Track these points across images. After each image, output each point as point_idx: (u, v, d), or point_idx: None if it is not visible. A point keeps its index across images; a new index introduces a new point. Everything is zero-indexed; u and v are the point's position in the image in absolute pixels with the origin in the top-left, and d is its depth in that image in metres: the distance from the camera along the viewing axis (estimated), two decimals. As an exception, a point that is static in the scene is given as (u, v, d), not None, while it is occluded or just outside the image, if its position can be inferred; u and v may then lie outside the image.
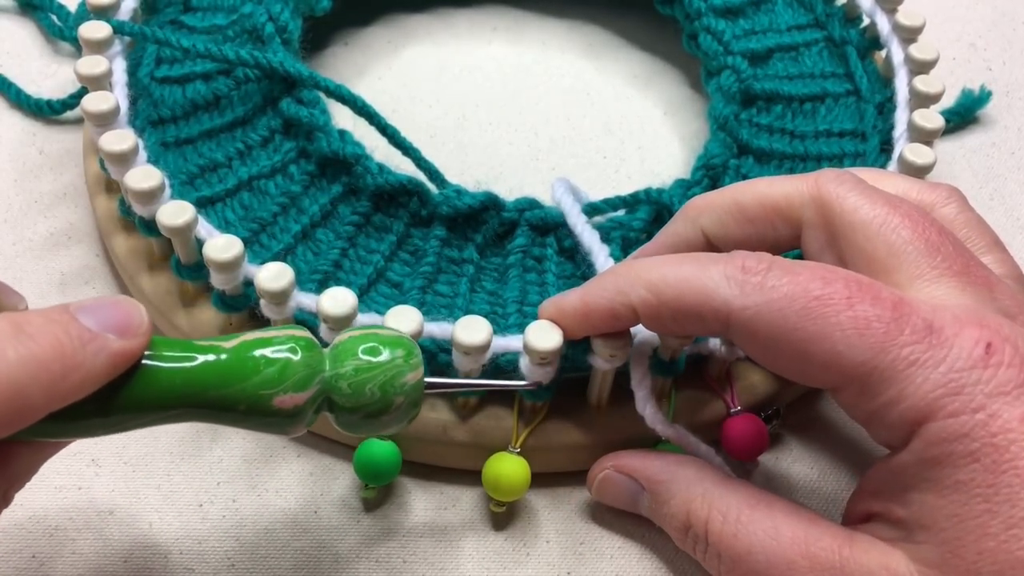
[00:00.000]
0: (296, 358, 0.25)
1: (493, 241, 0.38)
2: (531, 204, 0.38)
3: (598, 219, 0.39)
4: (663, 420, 0.32)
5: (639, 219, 0.38)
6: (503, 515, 0.35)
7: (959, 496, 0.24)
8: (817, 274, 0.26)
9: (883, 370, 0.25)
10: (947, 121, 0.49)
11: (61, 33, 0.49)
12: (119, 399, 0.24)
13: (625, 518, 0.34)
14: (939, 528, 0.24)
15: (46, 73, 0.49)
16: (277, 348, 0.25)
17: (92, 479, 0.35)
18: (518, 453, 0.34)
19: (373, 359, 0.26)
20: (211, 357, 0.25)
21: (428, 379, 0.28)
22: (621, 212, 0.39)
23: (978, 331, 0.25)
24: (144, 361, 0.24)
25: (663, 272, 0.28)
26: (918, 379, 0.24)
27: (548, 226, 0.38)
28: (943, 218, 0.30)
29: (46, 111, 0.46)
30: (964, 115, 0.50)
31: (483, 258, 0.38)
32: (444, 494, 0.35)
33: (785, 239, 0.30)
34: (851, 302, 0.25)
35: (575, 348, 0.32)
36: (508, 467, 0.33)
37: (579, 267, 0.38)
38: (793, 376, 0.28)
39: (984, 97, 0.50)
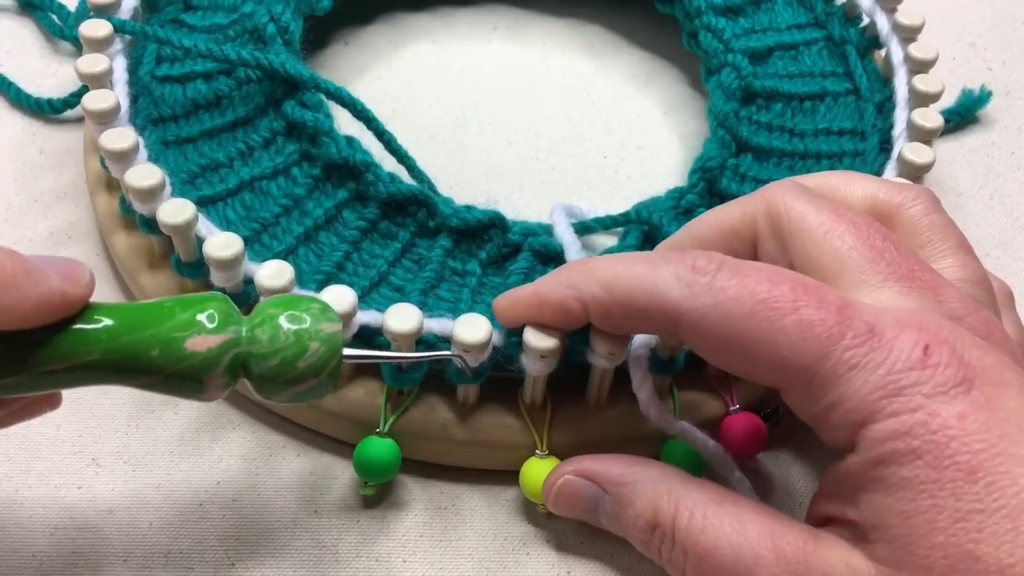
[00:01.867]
0: (211, 305, 0.26)
1: (496, 260, 0.38)
2: (535, 230, 0.39)
3: (590, 244, 0.39)
4: (669, 418, 0.32)
5: (629, 246, 0.39)
6: (502, 514, 0.35)
7: (905, 493, 0.24)
8: (764, 276, 0.27)
9: (825, 373, 0.25)
10: (947, 121, 0.49)
11: (61, 32, 0.49)
12: (36, 347, 0.24)
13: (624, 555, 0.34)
14: (889, 526, 0.24)
15: (46, 72, 0.49)
16: (193, 298, 0.26)
17: (92, 479, 0.35)
18: (547, 456, 0.34)
19: (289, 310, 0.27)
20: (130, 310, 0.25)
21: (347, 351, 0.28)
22: (614, 240, 0.40)
23: (917, 334, 0.25)
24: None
25: (616, 270, 0.29)
26: (858, 382, 0.25)
27: (550, 255, 0.38)
28: (908, 219, 0.30)
29: (46, 110, 0.46)
30: (964, 115, 0.50)
31: (484, 275, 0.38)
32: (444, 493, 0.35)
33: (748, 258, 0.30)
34: (796, 305, 0.26)
35: (511, 342, 0.32)
36: (545, 473, 0.33)
37: None
38: (744, 376, 0.28)
39: (984, 97, 0.50)
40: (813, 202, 0.29)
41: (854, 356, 0.25)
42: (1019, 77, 0.53)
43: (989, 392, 0.24)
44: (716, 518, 0.27)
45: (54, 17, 0.50)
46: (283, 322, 0.26)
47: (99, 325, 0.25)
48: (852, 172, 0.33)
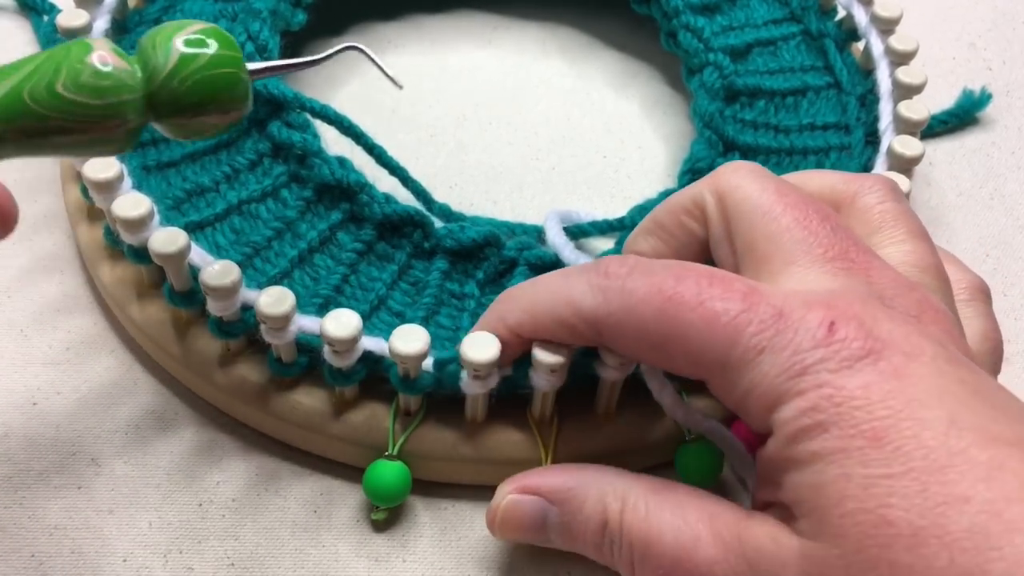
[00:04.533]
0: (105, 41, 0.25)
1: (493, 279, 0.38)
2: (529, 243, 0.39)
3: (586, 248, 0.39)
4: (698, 416, 0.32)
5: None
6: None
7: (815, 466, 0.24)
8: (672, 272, 0.27)
9: (735, 362, 0.26)
10: (946, 121, 0.49)
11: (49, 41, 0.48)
12: None
13: None
14: (804, 500, 0.24)
15: None
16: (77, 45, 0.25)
17: (92, 479, 0.35)
18: None
19: (184, 31, 0.26)
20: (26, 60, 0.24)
21: (251, 65, 0.27)
22: (610, 243, 0.40)
23: (824, 312, 0.25)
24: None
25: (535, 290, 0.30)
26: (765, 366, 0.25)
27: (546, 266, 0.38)
28: (863, 207, 0.31)
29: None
30: (964, 116, 0.50)
31: (483, 295, 0.37)
32: (448, 509, 0.35)
33: (704, 240, 0.31)
34: (700, 299, 0.26)
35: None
36: None
37: None
38: (671, 371, 0.29)
39: (984, 99, 0.50)
40: (759, 182, 0.29)
41: (760, 341, 0.25)
42: (1019, 77, 0.53)
43: (898, 362, 0.24)
44: (658, 507, 0.28)
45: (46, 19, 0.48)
46: (176, 32, 0.25)
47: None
48: (816, 170, 0.34)
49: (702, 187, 0.31)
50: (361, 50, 0.31)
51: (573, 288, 0.29)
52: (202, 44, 0.25)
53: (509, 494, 0.31)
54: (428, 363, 0.33)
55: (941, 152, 0.49)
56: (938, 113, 0.49)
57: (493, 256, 0.38)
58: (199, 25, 0.26)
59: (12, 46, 0.49)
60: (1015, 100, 0.52)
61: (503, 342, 0.31)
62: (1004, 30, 0.56)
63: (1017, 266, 0.45)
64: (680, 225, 0.31)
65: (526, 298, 0.30)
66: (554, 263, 0.38)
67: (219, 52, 0.25)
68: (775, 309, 0.25)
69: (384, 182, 0.40)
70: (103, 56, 0.24)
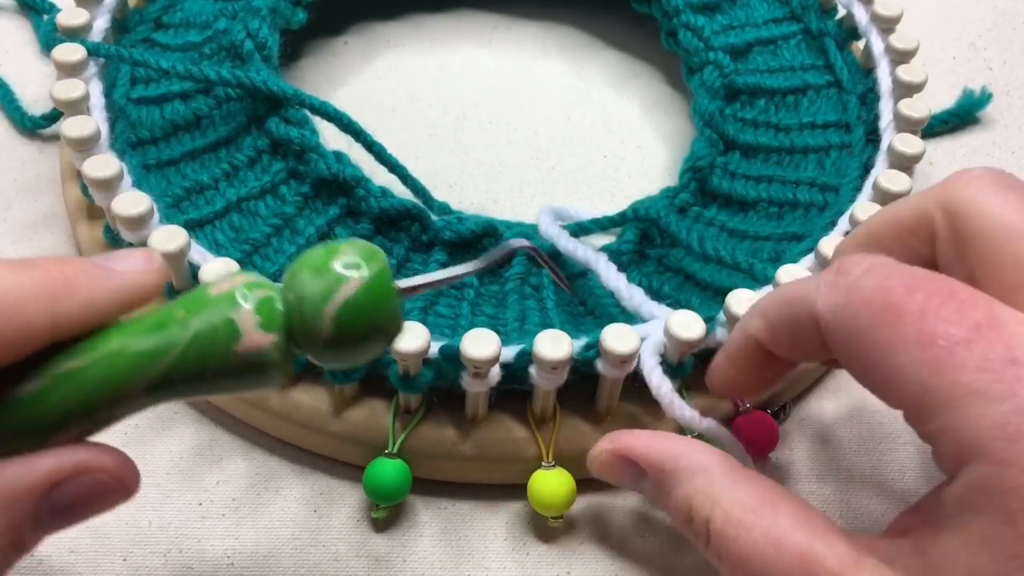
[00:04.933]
0: (244, 304, 0.23)
1: (491, 269, 0.38)
2: (528, 235, 0.38)
3: (586, 244, 0.39)
4: (695, 416, 0.31)
5: (627, 242, 0.39)
6: (502, 515, 0.35)
7: (982, 552, 0.21)
8: (907, 279, 0.24)
9: (938, 393, 0.22)
10: (946, 121, 0.49)
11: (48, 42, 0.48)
12: (92, 383, 0.22)
13: (624, 518, 0.34)
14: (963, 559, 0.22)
15: (46, 73, 0.48)
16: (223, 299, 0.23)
17: None
18: (553, 466, 0.34)
19: (331, 272, 0.23)
20: (174, 333, 0.22)
21: (399, 282, 0.25)
22: (611, 239, 0.40)
23: None
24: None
25: (775, 293, 0.28)
26: (974, 412, 0.22)
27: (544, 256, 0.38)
28: None
29: (25, 125, 0.45)
30: (964, 116, 0.50)
31: (482, 285, 0.37)
32: (448, 508, 0.35)
33: (928, 259, 0.27)
34: (924, 313, 0.23)
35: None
36: (553, 483, 0.33)
37: (577, 294, 0.38)
38: (872, 390, 0.25)
39: (984, 99, 0.50)
40: (1002, 194, 0.25)
41: (977, 380, 0.22)
42: (1019, 77, 0.53)
43: None
44: (752, 528, 0.25)
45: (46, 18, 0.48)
46: (329, 290, 0.23)
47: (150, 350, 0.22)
48: None
49: (928, 201, 0.27)
50: (533, 250, 0.30)
51: (808, 285, 0.26)
52: (355, 268, 0.23)
53: (607, 451, 0.30)
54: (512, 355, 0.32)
55: (941, 152, 0.49)
56: (938, 113, 0.49)
57: (491, 247, 0.38)
58: (348, 255, 0.23)
59: (12, 46, 0.49)
60: (1015, 100, 0.52)
61: (750, 355, 0.29)
62: (1004, 30, 0.56)
63: None
64: (900, 241, 0.27)
65: (767, 300, 0.28)
66: (552, 254, 0.37)
67: (369, 283, 0.23)
68: (1008, 349, 0.22)
69: (382, 178, 0.40)
70: (248, 344, 0.23)
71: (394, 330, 0.24)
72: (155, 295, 0.23)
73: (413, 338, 0.31)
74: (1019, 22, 0.56)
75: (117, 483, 0.24)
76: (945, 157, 0.49)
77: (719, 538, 0.26)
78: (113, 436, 0.35)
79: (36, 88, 0.47)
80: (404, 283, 0.25)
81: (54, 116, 0.44)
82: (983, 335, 0.22)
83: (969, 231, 0.25)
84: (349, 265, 0.23)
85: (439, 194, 0.43)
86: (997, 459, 0.21)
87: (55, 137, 0.45)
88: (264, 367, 0.23)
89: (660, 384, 0.31)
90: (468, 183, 0.46)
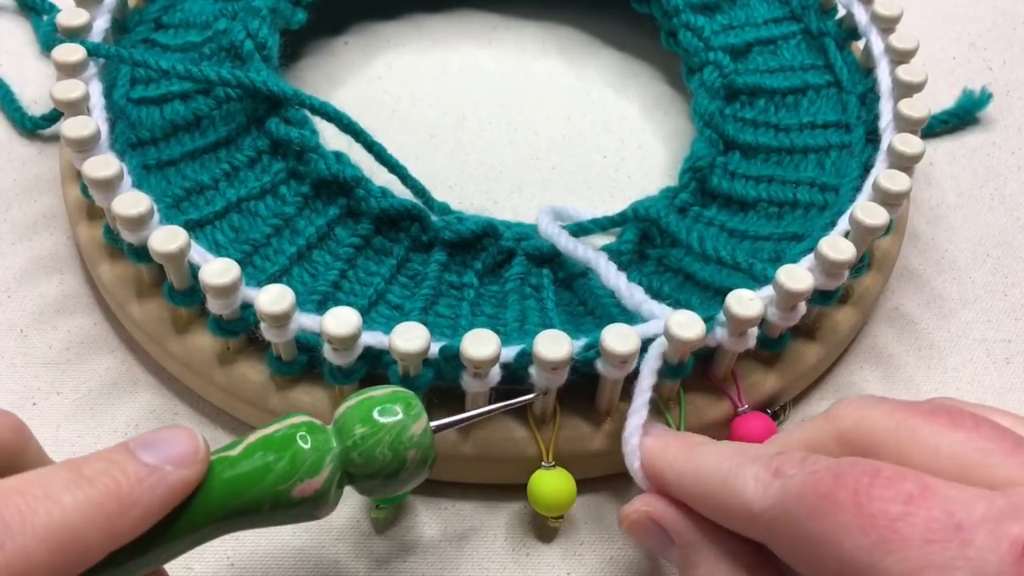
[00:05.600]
0: (303, 447, 0.26)
1: (491, 269, 0.38)
2: (528, 234, 0.39)
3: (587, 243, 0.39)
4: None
5: (627, 242, 0.39)
6: (502, 515, 0.35)
7: None
8: (832, 468, 0.24)
9: (893, 572, 0.22)
10: (946, 121, 0.49)
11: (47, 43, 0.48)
12: (150, 535, 0.24)
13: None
14: None
15: (46, 73, 0.48)
16: (276, 437, 0.26)
17: None
18: (553, 466, 0.34)
19: (376, 423, 0.27)
20: (226, 474, 0.25)
21: (433, 423, 0.28)
22: (611, 238, 0.40)
23: (1017, 526, 0.21)
24: None
25: (710, 458, 0.28)
26: None
27: (544, 256, 0.38)
28: None
29: (24, 125, 0.45)
30: (964, 116, 0.50)
31: (482, 285, 0.37)
32: (448, 509, 0.35)
33: None
34: (857, 496, 0.23)
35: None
36: (553, 483, 0.33)
37: (576, 295, 0.38)
38: None
39: (984, 99, 0.50)
40: (881, 407, 0.27)
41: (927, 554, 0.21)
42: (1019, 77, 0.53)
43: None
44: None
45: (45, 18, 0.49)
46: (375, 441, 0.26)
47: (203, 500, 0.25)
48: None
49: (822, 434, 0.28)
50: (532, 400, 0.32)
51: (740, 476, 0.26)
52: (395, 427, 0.27)
53: (641, 510, 0.30)
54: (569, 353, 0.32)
55: (941, 152, 0.49)
56: (938, 113, 0.49)
57: (491, 247, 0.38)
58: (389, 403, 0.27)
59: (12, 46, 0.49)
60: (1015, 100, 0.52)
61: (662, 481, 0.30)
62: (1004, 30, 0.56)
63: (1017, 266, 0.45)
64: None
65: (702, 462, 0.28)
66: (552, 254, 0.38)
67: (418, 449, 0.27)
68: (950, 518, 0.22)
69: (382, 179, 0.40)
70: (304, 489, 0.25)
71: (432, 460, 0.28)
72: (196, 485, 0.24)
73: (413, 338, 0.31)
74: (1019, 22, 0.56)
75: None
76: (945, 157, 0.49)
77: None
78: (112, 438, 0.35)
79: (36, 89, 0.47)
80: (436, 423, 0.29)
81: (54, 116, 0.44)
82: (920, 505, 0.22)
83: (868, 445, 0.26)
84: (390, 412, 0.27)
85: (439, 194, 0.43)
86: None
87: (55, 137, 0.45)
88: (313, 508, 0.26)
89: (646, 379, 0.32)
90: (468, 183, 0.46)
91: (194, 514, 0.24)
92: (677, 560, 0.30)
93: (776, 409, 0.36)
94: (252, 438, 0.26)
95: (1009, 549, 0.21)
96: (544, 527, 0.34)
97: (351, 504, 0.35)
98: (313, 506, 0.26)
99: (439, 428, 0.29)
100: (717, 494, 0.27)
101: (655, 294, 0.36)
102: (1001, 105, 0.51)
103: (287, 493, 0.25)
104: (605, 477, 0.35)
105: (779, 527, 0.25)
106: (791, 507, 0.24)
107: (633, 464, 0.31)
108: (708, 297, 0.37)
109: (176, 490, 0.24)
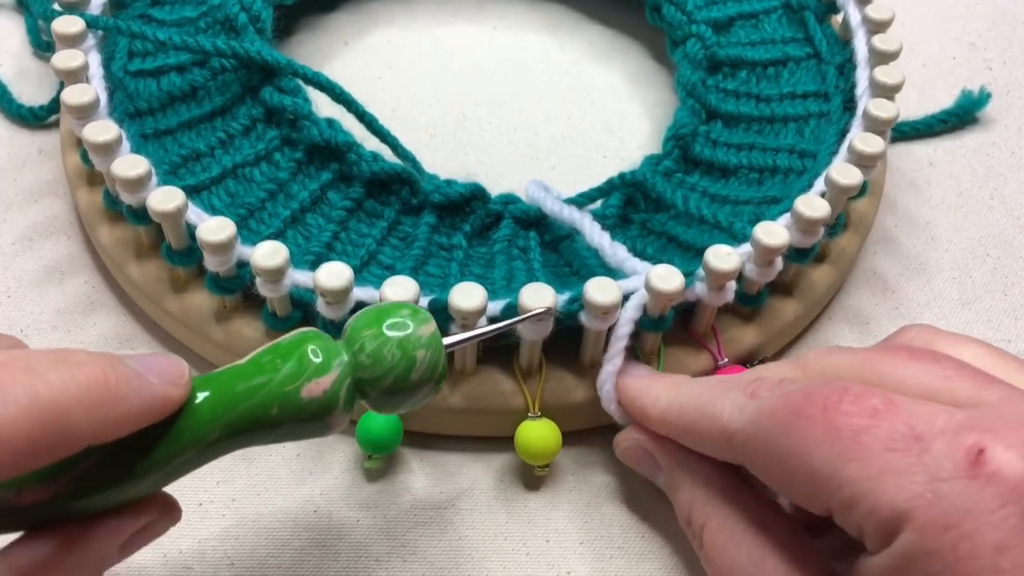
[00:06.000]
0: (310, 348, 0.26)
1: (479, 231, 0.39)
2: (515, 199, 0.40)
3: (566, 203, 0.39)
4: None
5: (612, 205, 0.40)
6: (501, 505, 0.35)
7: None
8: (805, 388, 0.26)
9: (854, 480, 0.23)
10: (946, 121, 0.50)
11: (41, 42, 0.49)
12: (161, 443, 0.24)
13: (624, 519, 0.35)
14: None
15: (44, 72, 0.48)
16: (286, 343, 0.26)
17: None
18: (539, 417, 0.35)
19: (382, 324, 0.26)
20: (234, 378, 0.25)
21: (447, 339, 0.28)
22: (598, 204, 0.41)
23: (973, 435, 0.23)
24: None
25: (691, 392, 0.30)
26: (890, 489, 0.23)
27: (531, 219, 0.39)
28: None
29: (29, 119, 0.46)
30: (964, 116, 0.50)
31: (470, 246, 0.38)
32: (439, 466, 0.36)
33: None
34: (825, 411, 0.24)
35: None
36: (539, 433, 0.34)
37: (562, 256, 0.39)
38: (798, 501, 0.26)
39: (983, 99, 0.50)
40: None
41: (888, 461, 0.23)
42: (1019, 77, 0.53)
43: None
44: (737, 545, 0.28)
45: (42, 23, 0.49)
46: (382, 341, 0.26)
47: (211, 405, 0.25)
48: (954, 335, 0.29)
49: (794, 376, 0.29)
50: (540, 315, 0.32)
51: (719, 402, 0.28)
52: (403, 327, 0.27)
53: (632, 438, 0.33)
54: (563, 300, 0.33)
55: (941, 152, 0.49)
56: (938, 113, 0.50)
57: (479, 209, 0.39)
58: (396, 311, 0.27)
59: (11, 46, 0.50)
60: (1015, 100, 0.52)
61: (646, 418, 0.32)
62: (1004, 30, 0.56)
63: (1017, 266, 0.44)
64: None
65: (684, 395, 0.30)
66: (538, 217, 0.39)
67: (427, 349, 0.27)
68: (911, 430, 0.23)
69: (372, 146, 0.41)
70: (310, 389, 0.25)
71: (442, 370, 0.27)
72: (176, 407, 0.24)
73: (403, 290, 0.32)
74: (1019, 22, 0.56)
75: (170, 524, 0.27)
76: (945, 157, 0.49)
77: (710, 544, 0.29)
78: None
79: (36, 89, 0.47)
80: (448, 340, 0.28)
81: (52, 108, 0.45)
82: (884, 418, 0.24)
83: None
84: (396, 314, 0.27)
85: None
86: (917, 526, 0.22)
87: (54, 124, 0.46)
88: (326, 412, 0.26)
89: (611, 357, 0.33)
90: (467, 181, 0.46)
91: (202, 418, 0.24)
92: (663, 483, 0.32)
93: (756, 363, 0.37)
94: (260, 348, 0.26)
95: (964, 456, 0.22)
96: (531, 476, 0.36)
97: (352, 504, 0.35)
98: (323, 410, 0.25)
99: (450, 345, 0.28)
100: (697, 421, 0.29)
101: (639, 255, 0.38)
102: (1001, 105, 0.51)
103: (295, 394, 0.25)
104: (588, 430, 0.36)
105: (753, 445, 0.26)
106: (765, 425, 0.26)
107: (610, 406, 0.33)
108: (690, 258, 0.38)
109: (159, 402, 0.23)
